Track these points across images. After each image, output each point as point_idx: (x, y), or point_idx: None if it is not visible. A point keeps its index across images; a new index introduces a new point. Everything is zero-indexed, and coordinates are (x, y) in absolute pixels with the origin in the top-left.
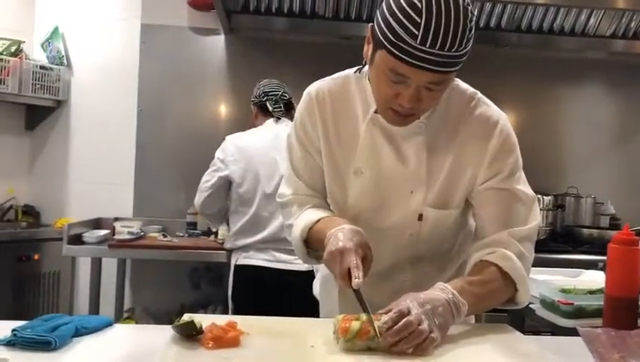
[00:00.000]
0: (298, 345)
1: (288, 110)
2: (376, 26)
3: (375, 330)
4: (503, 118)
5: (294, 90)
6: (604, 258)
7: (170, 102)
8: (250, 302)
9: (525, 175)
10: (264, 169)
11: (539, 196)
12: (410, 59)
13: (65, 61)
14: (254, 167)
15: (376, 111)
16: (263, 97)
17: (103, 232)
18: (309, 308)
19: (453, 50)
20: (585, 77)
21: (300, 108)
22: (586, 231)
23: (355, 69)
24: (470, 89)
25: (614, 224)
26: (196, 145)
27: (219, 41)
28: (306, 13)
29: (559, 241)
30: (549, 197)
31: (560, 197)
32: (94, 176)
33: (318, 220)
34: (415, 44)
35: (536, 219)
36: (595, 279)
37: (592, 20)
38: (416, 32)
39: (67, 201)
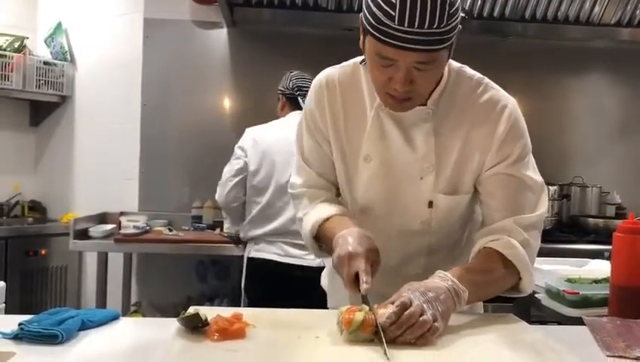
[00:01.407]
0: (303, 336)
1: None
2: (362, 14)
3: (383, 342)
4: (512, 103)
5: None
6: (610, 247)
7: (174, 96)
8: (261, 294)
9: None
10: (280, 158)
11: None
12: (391, 41)
13: (68, 57)
14: (270, 157)
15: None
16: (296, 91)
17: (109, 227)
18: (319, 302)
19: (434, 27)
20: (590, 66)
21: (309, 97)
22: (591, 220)
23: (361, 58)
24: (478, 74)
25: (620, 213)
26: (200, 139)
27: (222, 35)
28: (309, 5)
29: (565, 231)
30: (555, 187)
31: (566, 187)
32: (99, 170)
33: (328, 218)
34: (394, 26)
35: (543, 207)
36: (601, 268)
37: (596, 8)
38: (393, 14)
39: (73, 196)
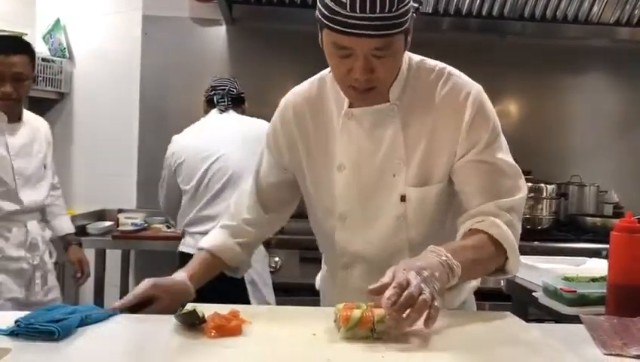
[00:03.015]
0: (300, 333)
1: (237, 103)
2: (316, 11)
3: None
4: (476, 89)
5: (296, 81)
6: (608, 246)
7: (173, 93)
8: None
9: (529, 164)
10: (191, 155)
11: (542, 185)
12: (345, 29)
13: (67, 53)
14: (186, 157)
15: (350, 106)
16: (211, 92)
17: (107, 224)
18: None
19: (385, 12)
20: (589, 65)
21: (275, 116)
22: (589, 219)
23: (327, 70)
24: (440, 64)
25: (618, 212)
26: None
27: (220, 32)
28: (308, 3)
29: (563, 230)
30: (553, 185)
31: (563, 186)
32: (98, 167)
33: (202, 248)
34: (346, 13)
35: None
36: (599, 267)
37: (595, 7)
38: (345, 1)
39: (71, 193)
